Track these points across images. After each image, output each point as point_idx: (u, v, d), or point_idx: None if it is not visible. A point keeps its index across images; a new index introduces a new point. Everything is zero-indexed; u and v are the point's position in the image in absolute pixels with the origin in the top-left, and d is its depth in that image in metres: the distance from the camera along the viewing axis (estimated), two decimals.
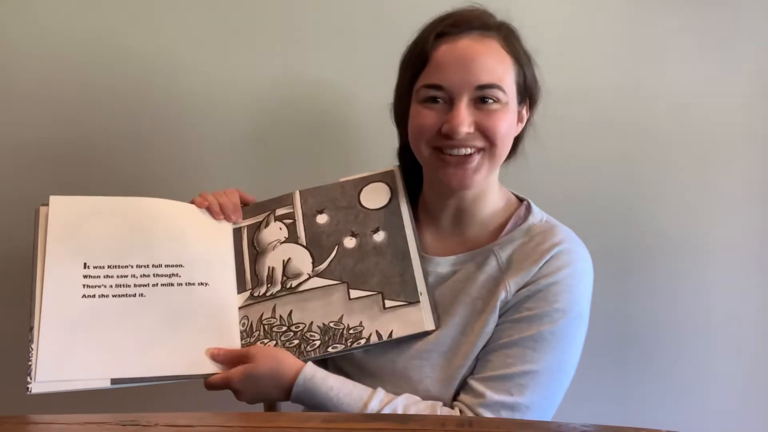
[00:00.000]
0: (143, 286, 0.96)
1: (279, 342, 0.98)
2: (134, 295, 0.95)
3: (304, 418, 0.81)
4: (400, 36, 1.03)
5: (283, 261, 1.04)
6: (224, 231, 1.07)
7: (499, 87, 0.95)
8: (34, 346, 0.89)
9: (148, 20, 1.35)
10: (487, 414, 0.92)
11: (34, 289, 0.93)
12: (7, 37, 1.34)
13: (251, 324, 1.00)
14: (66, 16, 1.34)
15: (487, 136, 0.96)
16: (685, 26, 1.37)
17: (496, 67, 0.96)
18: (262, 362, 0.94)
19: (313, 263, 1.03)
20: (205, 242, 1.04)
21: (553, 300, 0.95)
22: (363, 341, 0.96)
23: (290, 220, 1.07)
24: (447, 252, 1.04)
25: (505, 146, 0.99)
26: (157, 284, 0.97)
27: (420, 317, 0.97)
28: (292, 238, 1.06)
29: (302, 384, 0.92)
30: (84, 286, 0.94)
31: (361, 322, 0.98)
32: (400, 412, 0.92)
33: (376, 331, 0.97)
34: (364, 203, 1.07)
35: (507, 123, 0.97)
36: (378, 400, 0.92)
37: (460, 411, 0.94)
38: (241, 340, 0.99)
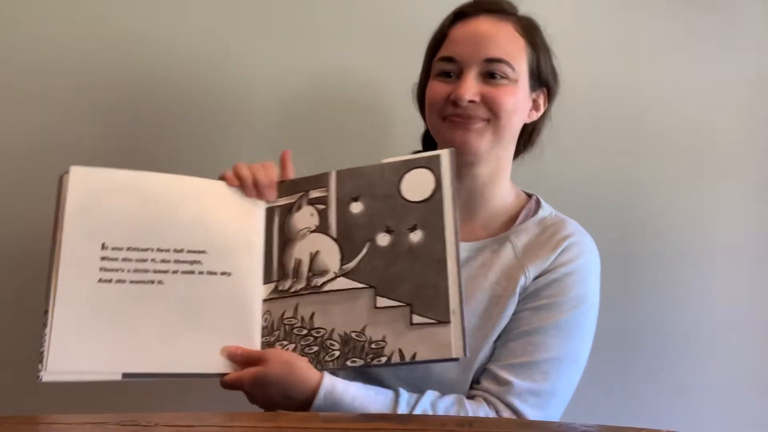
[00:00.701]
0: (163, 273, 0.91)
1: (298, 347, 0.92)
2: (152, 282, 0.90)
3: (304, 418, 0.81)
4: (427, 24, 1.07)
5: (311, 254, 0.96)
6: (256, 211, 0.99)
7: (507, 63, 1.00)
8: (47, 331, 0.85)
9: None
10: (515, 402, 0.93)
11: (51, 269, 0.88)
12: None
13: (272, 322, 0.94)
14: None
15: (491, 107, 1.00)
16: (686, 27, 1.37)
17: (506, 45, 1.00)
18: (274, 367, 0.89)
19: (341, 260, 0.95)
20: (233, 226, 0.97)
21: (570, 289, 0.98)
22: (384, 359, 0.89)
23: (323, 206, 0.98)
24: (460, 238, 1.04)
25: (510, 122, 1.01)
26: (177, 271, 0.92)
27: (448, 341, 0.87)
28: (323, 227, 0.97)
29: (323, 398, 0.89)
30: (101, 269, 0.89)
31: (384, 337, 0.89)
32: (429, 412, 0.91)
33: (399, 350, 0.88)
34: (404, 193, 0.95)
35: (513, 99, 1.00)
36: (405, 404, 0.91)
37: (486, 401, 0.94)
38: (262, 336, 0.94)
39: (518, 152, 1.11)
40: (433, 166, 0.95)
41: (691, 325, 1.41)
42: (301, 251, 0.97)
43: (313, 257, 0.96)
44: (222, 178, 0.99)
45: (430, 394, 0.94)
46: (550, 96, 1.08)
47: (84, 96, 1.35)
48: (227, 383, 0.91)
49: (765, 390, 1.43)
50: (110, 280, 0.89)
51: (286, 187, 1.01)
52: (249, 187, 0.99)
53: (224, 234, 0.96)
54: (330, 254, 0.96)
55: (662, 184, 1.40)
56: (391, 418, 0.83)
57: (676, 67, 1.38)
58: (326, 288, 0.94)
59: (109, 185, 0.93)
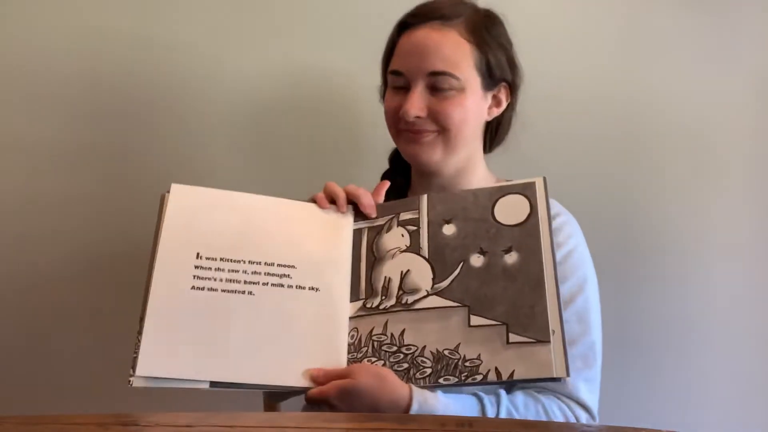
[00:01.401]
0: (253, 284, 0.93)
1: (387, 363, 0.90)
2: (243, 292, 0.92)
3: (305, 418, 0.81)
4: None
5: (402, 272, 0.96)
6: (344, 232, 1.00)
7: (450, 74, 1.01)
8: (140, 338, 0.87)
9: (144, 13, 1.36)
10: (575, 393, 0.95)
11: (148, 277, 0.91)
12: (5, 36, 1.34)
13: (360, 338, 0.93)
14: (63, 10, 1.35)
15: (438, 121, 1.02)
16: (686, 27, 1.37)
17: (450, 54, 1.01)
18: (364, 378, 0.87)
19: (433, 279, 0.94)
20: (322, 245, 0.98)
21: (576, 268, 1.01)
22: (479, 377, 0.86)
23: (414, 227, 0.98)
24: None
25: (461, 131, 1.03)
26: (267, 283, 0.93)
27: (548, 359, 0.85)
28: (414, 247, 0.97)
29: (418, 409, 0.87)
30: (195, 277, 0.92)
31: (479, 355, 0.87)
32: (513, 412, 0.92)
33: (496, 369, 0.86)
34: (498, 217, 0.96)
35: (461, 109, 1.02)
36: (490, 406, 0.91)
37: (553, 395, 0.95)
38: (348, 353, 0.92)
39: (488, 146, 1.13)
40: (527, 192, 0.96)
41: (691, 325, 1.41)
42: (390, 270, 0.96)
43: (404, 276, 0.96)
44: (313, 199, 1.02)
45: (504, 393, 0.94)
46: (512, 89, 1.08)
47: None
48: (312, 397, 0.89)
49: (765, 390, 1.43)
50: (203, 288, 0.92)
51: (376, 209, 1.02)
52: (342, 204, 1.00)
53: (313, 252, 0.97)
54: (421, 273, 0.95)
55: (662, 184, 1.40)
56: (391, 418, 0.83)
57: (676, 67, 1.38)
58: (417, 306, 0.93)
59: (206, 202, 0.97)
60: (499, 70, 1.05)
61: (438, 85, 1.01)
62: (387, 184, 1.05)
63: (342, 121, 1.40)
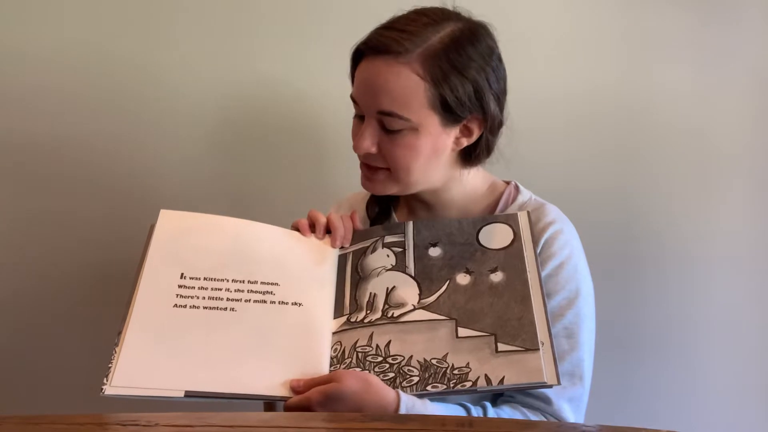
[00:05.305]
0: (235, 301, 0.94)
1: (372, 372, 0.89)
2: (225, 309, 0.93)
3: (305, 418, 0.80)
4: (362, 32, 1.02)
5: (387, 288, 0.96)
6: (329, 256, 1.01)
7: (398, 116, 0.95)
8: (117, 350, 0.88)
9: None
10: (561, 414, 0.94)
11: (132, 295, 0.92)
12: None
13: (344, 350, 0.91)
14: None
15: (387, 161, 0.98)
16: (685, 27, 1.37)
17: (400, 94, 0.94)
18: (349, 382, 0.84)
19: (419, 295, 0.94)
20: (306, 265, 1.00)
21: (567, 281, 0.98)
22: (468, 384, 0.85)
23: (399, 249, 1.00)
24: None
25: (411, 171, 0.99)
26: (249, 300, 0.94)
27: (538, 365, 0.84)
28: (400, 266, 0.98)
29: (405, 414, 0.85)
30: (177, 295, 0.93)
31: (468, 363, 0.86)
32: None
33: (485, 375, 0.85)
34: (482, 242, 0.98)
35: (410, 151, 0.97)
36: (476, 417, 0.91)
37: (541, 413, 0.95)
38: (331, 366, 0.91)
39: (468, 164, 1.05)
40: (510, 222, 0.99)
41: (691, 326, 1.41)
42: (375, 287, 0.97)
43: (390, 291, 0.96)
44: (295, 227, 1.03)
45: (490, 405, 0.93)
46: (486, 118, 0.99)
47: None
48: (292, 405, 0.87)
49: (765, 390, 1.43)
50: (185, 306, 0.92)
51: (358, 234, 1.04)
52: (320, 231, 1.02)
53: (297, 270, 0.99)
54: (408, 289, 0.96)
55: (662, 185, 1.40)
56: (391, 417, 0.83)
57: (676, 67, 1.38)
58: (403, 319, 0.93)
59: (192, 225, 1.00)
60: (460, 106, 0.96)
61: (388, 124, 0.96)
62: (356, 212, 1.06)
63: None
